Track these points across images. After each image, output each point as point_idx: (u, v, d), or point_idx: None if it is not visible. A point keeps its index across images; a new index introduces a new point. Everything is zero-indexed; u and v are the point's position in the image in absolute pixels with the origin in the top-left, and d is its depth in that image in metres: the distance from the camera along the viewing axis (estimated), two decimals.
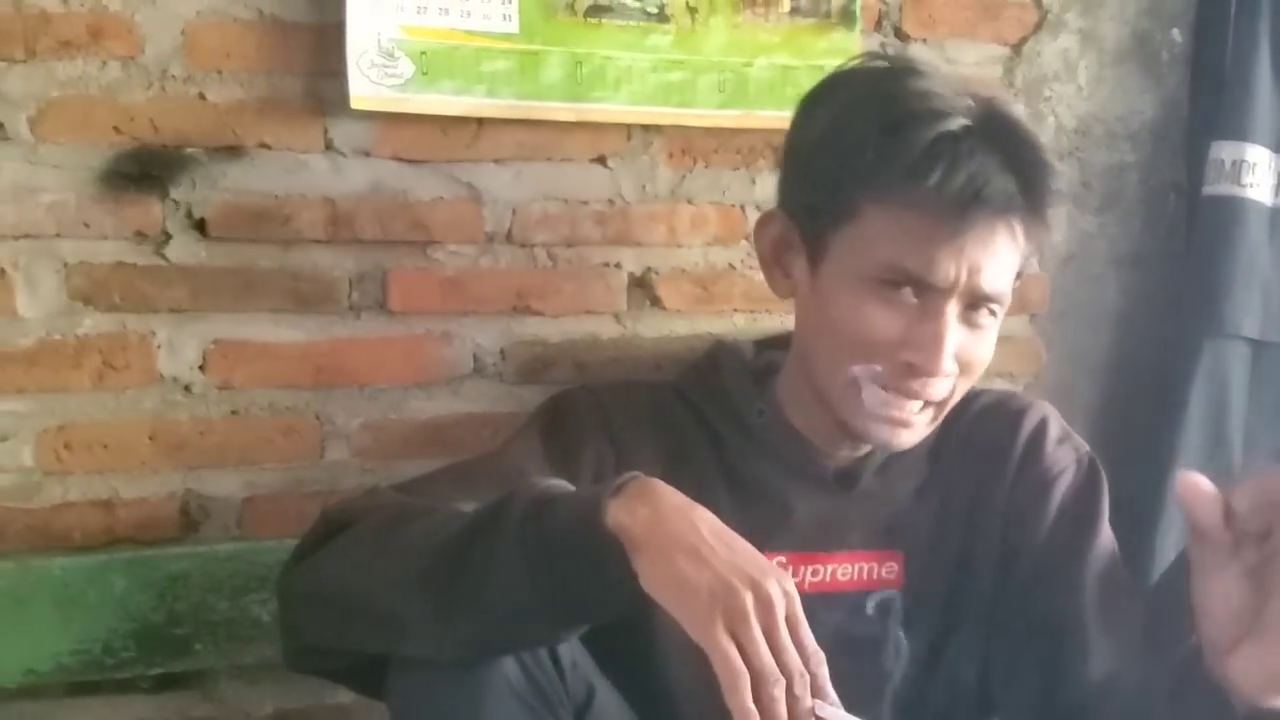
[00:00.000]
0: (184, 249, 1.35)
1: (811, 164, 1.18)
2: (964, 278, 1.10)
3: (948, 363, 1.12)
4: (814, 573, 1.23)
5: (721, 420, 1.27)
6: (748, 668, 0.89)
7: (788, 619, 0.92)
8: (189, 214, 1.34)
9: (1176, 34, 1.70)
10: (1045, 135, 1.65)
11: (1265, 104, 1.64)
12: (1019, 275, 1.18)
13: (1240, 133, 1.63)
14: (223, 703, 1.41)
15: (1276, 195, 1.66)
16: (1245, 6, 1.64)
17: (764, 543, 1.20)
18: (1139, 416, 1.69)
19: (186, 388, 1.36)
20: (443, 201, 1.42)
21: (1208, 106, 1.67)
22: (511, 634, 1.01)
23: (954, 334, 1.12)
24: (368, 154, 1.39)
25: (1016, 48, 1.64)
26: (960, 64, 1.59)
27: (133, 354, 1.34)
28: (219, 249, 1.36)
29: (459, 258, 1.43)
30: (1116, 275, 1.72)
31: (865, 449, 1.26)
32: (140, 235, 1.33)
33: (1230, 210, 1.63)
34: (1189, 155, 1.70)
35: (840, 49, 1.46)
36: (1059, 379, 1.70)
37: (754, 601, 0.91)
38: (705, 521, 0.96)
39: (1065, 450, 1.29)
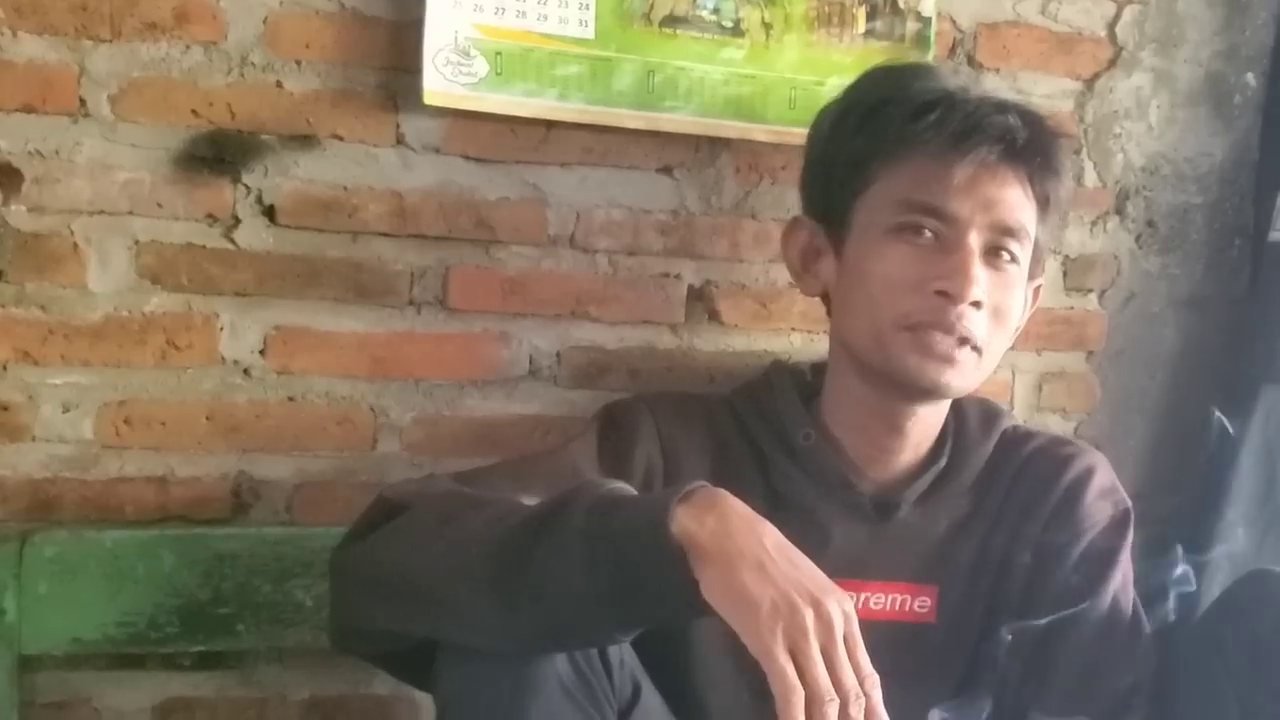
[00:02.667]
0: (252, 234, 1.36)
1: (825, 153, 1.27)
2: (979, 210, 1.16)
3: (976, 289, 1.15)
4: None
5: (769, 441, 1.28)
6: (803, 686, 0.89)
7: (846, 639, 0.92)
8: (259, 200, 1.36)
9: (1251, 78, 1.69)
10: (1114, 172, 1.65)
11: None
12: (1041, 245, 1.24)
13: None
14: (260, 685, 1.43)
15: None
16: None
17: None
18: (1192, 461, 1.67)
19: (246, 371, 1.38)
20: (508, 202, 1.43)
21: (1278, 152, 1.66)
22: (568, 630, 1.01)
23: (979, 270, 1.16)
24: (437, 150, 1.41)
25: (1089, 83, 1.64)
26: (1032, 95, 1.58)
27: (196, 335, 1.36)
28: (286, 236, 1.37)
29: (521, 259, 1.44)
30: (1176, 316, 1.71)
31: (907, 474, 1.27)
32: (211, 218, 1.35)
33: None
34: (1257, 200, 1.69)
35: None
36: (1113, 418, 1.69)
37: (814, 619, 0.91)
38: (770, 536, 0.96)
39: (1103, 505, 1.28)
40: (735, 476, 1.25)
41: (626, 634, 1.03)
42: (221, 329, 1.37)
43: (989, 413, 1.34)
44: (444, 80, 1.36)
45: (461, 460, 1.42)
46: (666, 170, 1.48)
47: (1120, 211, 1.66)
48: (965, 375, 1.19)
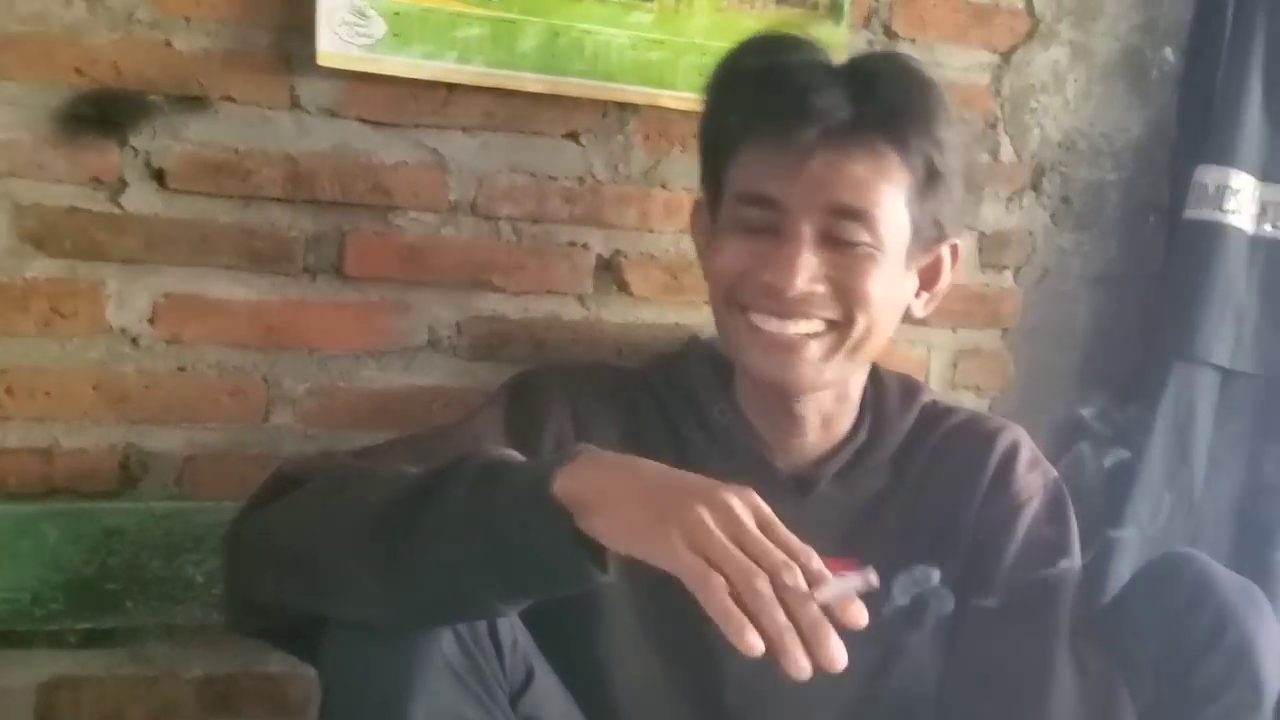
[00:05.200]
0: (140, 198, 1.32)
1: (700, 132, 1.24)
2: (809, 195, 1.13)
3: (800, 279, 1.13)
4: None
5: (685, 418, 1.26)
6: (721, 573, 0.84)
7: (761, 525, 0.88)
8: (148, 163, 1.31)
9: (1169, 53, 1.68)
10: (1030, 147, 1.63)
11: (1253, 130, 1.62)
12: (934, 215, 1.19)
13: (1226, 157, 1.61)
14: (150, 662, 1.38)
15: (1258, 224, 1.64)
16: (1240, 30, 1.62)
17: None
18: (1104, 436, 1.67)
19: (134, 340, 1.33)
20: (407, 166, 1.39)
21: (1194, 129, 1.65)
22: (453, 601, 0.98)
23: (809, 253, 1.13)
24: (333, 113, 1.36)
25: (1006, 56, 1.62)
26: (948, 68, 1.56)
27: (81, 301, 1.31)
28: (176, 200, 1.33)
29: (420, 225, 1.41)
30: (1090, 294, 1.70)
31: (823, 450, 1.24)
32: (96, 181, 1.30)
33: (1210, 235, 1.61)
34: (1172, 177, 1.68)
35: (826, 42, 1.42)
36: (1025, 395, 1.67)
37: (710, 512, 0.86)
38: (648, 466, 0.94)
39: (1035, 476, 1.27)
40: (649, 453, 1.20)
41: (513, 605, 1.00)
42: (108, 296, 1.32)
43: (908, 386, 1.32)
44: (339, 41, 1.31)
45: (358, 434, 1.39)
46: (572, 136, 1.45)
47: (1036, 187, 1.65)
48: (815, 366, 1.17)
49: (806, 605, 0.83)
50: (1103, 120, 1.67)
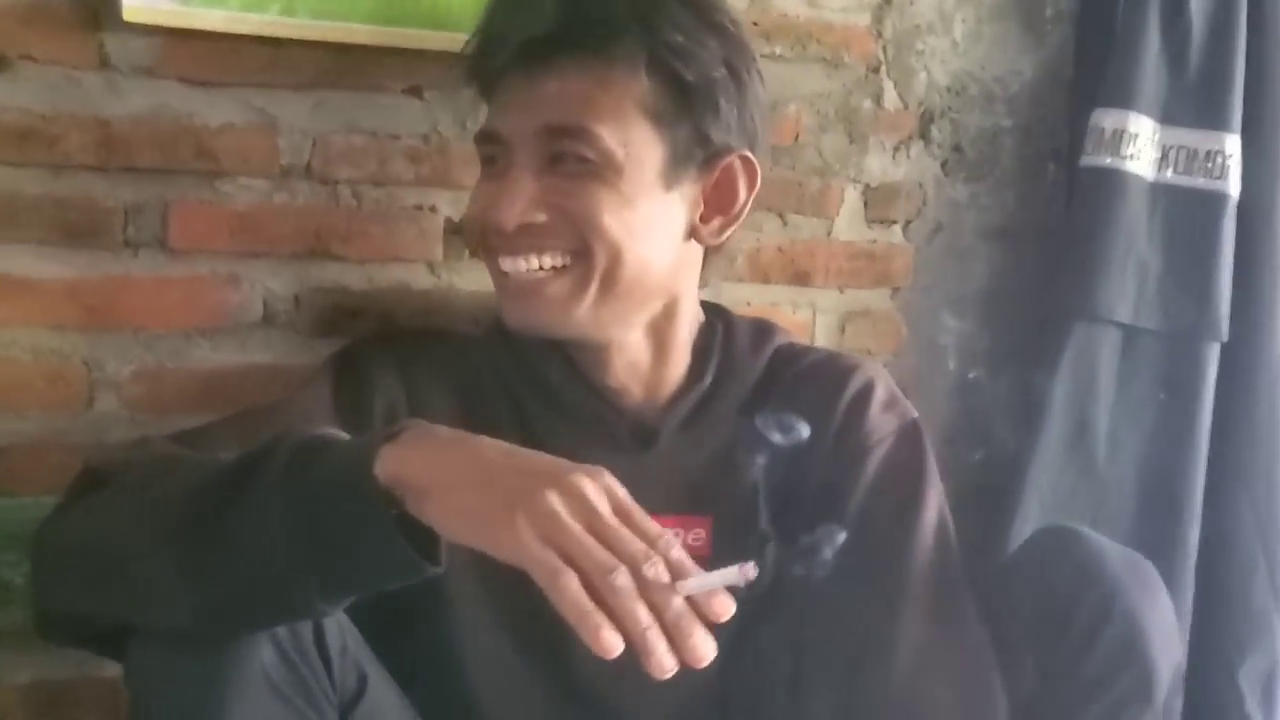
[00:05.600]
0: None
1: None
2: (523, 121, 1.09)
3: (514, 207, 1.08)
4: None
5: (521, 380, 1.19)
6: (575, 567, 0.77)
7: (617, 511, 0.81)
8: None
9: None
10: (916, 93, 1.54)
11: (1151, 70, 1.54)
12: (701, 129, 1.11)
13: (1123, 100, 1.53)
14: None
15: (1159, 170, 1.55)
16: None
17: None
18: (1001, 401, 1.58)
19: None
20: (233, 129, 1.29)
21: (1091, 70, 1.57)
22: (268, 601, 0.89)
23: (525, 179, 1.09)
24: (149, 73, 1.26)
25: None
26: (825, 8, 1.48)
27: None
28: None
29: (250, 192, 1.30)
30: (986, 249, 1.62)
31: (663, 402, 1.18)
32: None
33: (1108, 183, 1.53)
34: (1071, 122, 1.60)
35: None
36: (920, 358, 1.60)
37: (560, 498, 0.79)
38: (488, 445, 0.86)
39: (889, 417, 1.19)
40: (489, 421, 1.14)
41: (335, 604, 0.90)
42: None
43: (761, 330, 1.25)
44: None
45: (191, 417, 1.28)
46: (414, 91, 1.34)
47: (924, 136, 1.56)
48: (569, 306, 1.11)
49: (670, 598, 0.77)
50: (995, 63, 1.59)
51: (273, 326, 1.33)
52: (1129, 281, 1.54)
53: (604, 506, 0.80)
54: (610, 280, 1.10)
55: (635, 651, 0.76)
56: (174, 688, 0.91)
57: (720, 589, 0.80)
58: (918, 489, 1.17)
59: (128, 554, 0.93)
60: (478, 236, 1.16)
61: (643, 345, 1.17)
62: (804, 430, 1.04)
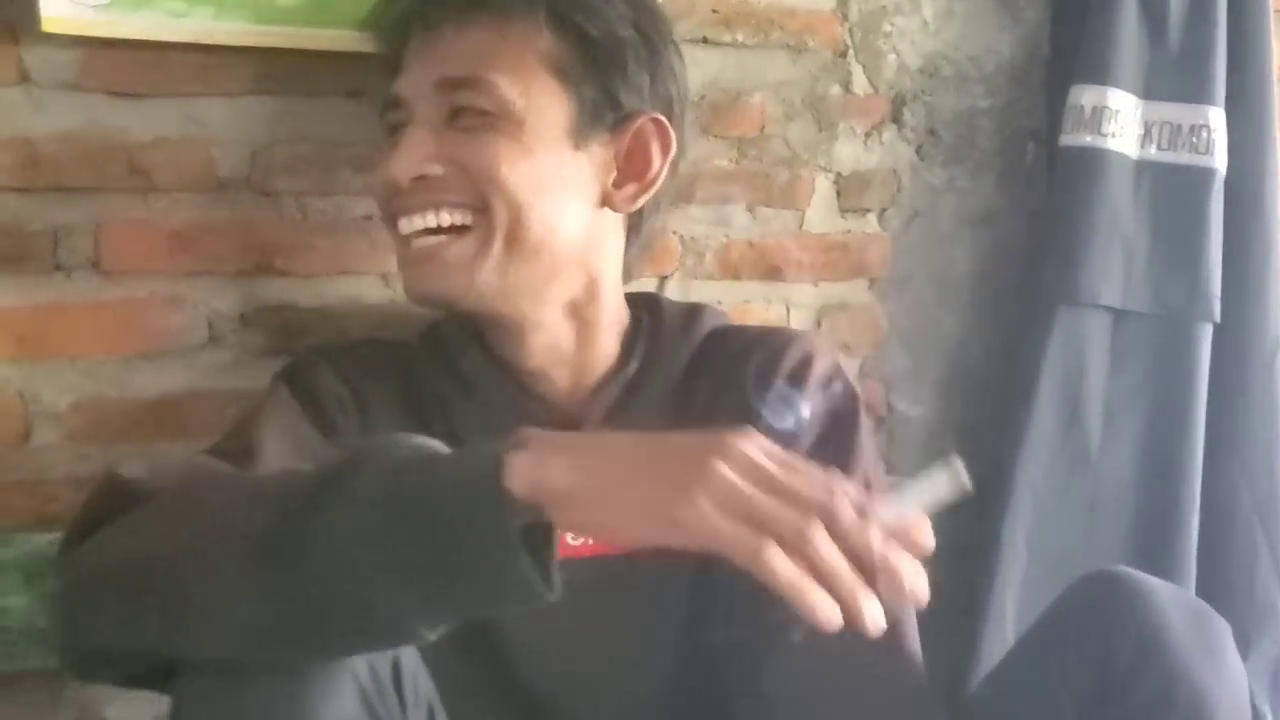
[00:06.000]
0: None
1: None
2: (421, 77, 1.08)
3: (409, 157, 1.06)
4: None
5: (442, 378, 1.14)
6: (769, 534, 0.71)
7: (782, 465, 0.74)
8: None
9: None
10: (886, 76, 1.48)
11: (1130, 44, 1.47)
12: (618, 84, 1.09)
13: (1102, 76, 1.47)
14: None
15: (1142, 146, 1.49)
16: None
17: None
18: (988, 393, 1.52)
19: None
20: (167, 142, 1.22)
21: (1069, 46, 1.50)
22: (361, 624, 0.79)
23: (422, 132, 1.07)
24: (75, 86, 1.19)
25: None
26: None
27: None
28: None
29: (187, 208, 1.24)
30: (967, 235, 1.55)
31: (587, 389, 1.13)
32: None
33: (1090, 162, 1.47)
34: (1049, 101, 1.54)
35: None
36: (902, 352, 1.53)
37: (731, 466, 0.73)
38: (618, 440, 0.80)
39: (824, 397, 1.12)
40: (422, 422, 1.10)
41: (436, 629, 0.81)
42: None
43: (693, 312, 1.19)
44: (66, 2, 1.14)
45: (138, 447, 1.24)
46: (356, 95, 1.28)
47: (897, 120, 1.50)
48: (471, 270, 1.06)
49: (870, 540, 0.72)
50: (969, 42, 1.52)
51: (220, 348, 1.26)
52: (1116, 263, 1.48)
53: (772, 464, 0.74)
54: (513, 240, 1.06)
55: (848, 615, 0.71)
56: None
57: (917, 510, 0.74)
58: (846, 464, 1.09)
59: (189, 575, 0.82)
60: (382, 205, 1.12)
61: (564, 326, 1.12)
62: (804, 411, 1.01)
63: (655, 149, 1.11)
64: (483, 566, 0.75)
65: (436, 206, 1.06)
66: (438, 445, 0.82)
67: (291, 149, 1.26)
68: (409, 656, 0.90)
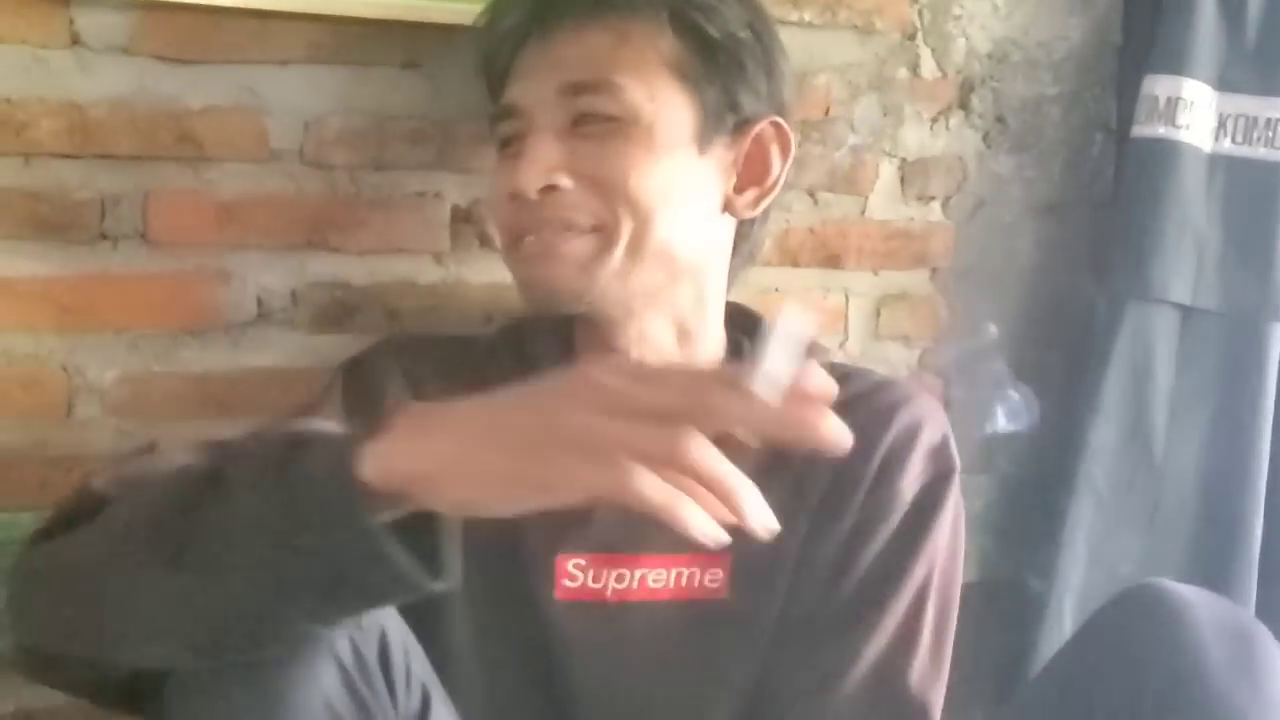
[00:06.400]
0: None
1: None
2: (542, 83, 1.03)
3: (535, 168, 1.01)
4: (619, 578, 1.03)
5: None
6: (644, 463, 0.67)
7: (640, 379, 0.71)
8: None
9: None
10: (954, 60, 1.43)
11: (1207, 31, 1.43)
12: (728, 90, 1.05)
13: (1177, 65, 1.42)
14: None
15: (1216, 139, 1.45)
16: None
17: (557, 543, 1.00)
18: (1051, 390, 1.48)
19: None
20: (217, 110, 1.19)
21: (1142, 35, 1.46)
22: (258, 627, 0.78)
23: (545, 143, 1.01)
24: (124, 50, 1.15)
25: None
26: None
27: None
28: None
29: (238, 179, 1.20)
30: (1032, 226, 1.50)
31: None
32: None
33: (1162, 155, 1.42)
34: (1120, 90, 1.49)
35: None
36: (961, 344, 1.48)
37: (587, 406, 0.69)
38: (484, 403, 0.75)
39: (925, 468, 1.07)
40: None
41: (332, 626, 0.80)
42: None
43: None
44: None
45: (182, 424, 1.21)
46: (414, 66, 1.24)
47: (964, 106, 1.45)
48: (590, 270, 1.01)
49: (762, 408, 0.67)
50: (1039, 27, 1.47)
51: (269, 325, 1.23)
52: (1186, 259, 1.43)
53: (627, 384, 0.69)
54: (637, 247, 1.01)
55: (737, 516, 0.69)
56: None
57: (794, 366, 0.68)
58: (911, 559, 1.05)
59: (106, 581, 0.81)
60: (505, 227, 1.07)
61: (668, 338, 1.08)
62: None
63: (775, 152, 1.08)
64: (351, 566, 0.73)
65: (567, 227, 1.01)
66: (328, 431, 0.81)
67: (345, 121, 1.22)
68: (397, 633, 0.87)
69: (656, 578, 1.03)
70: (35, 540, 0.90)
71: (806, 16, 1.36)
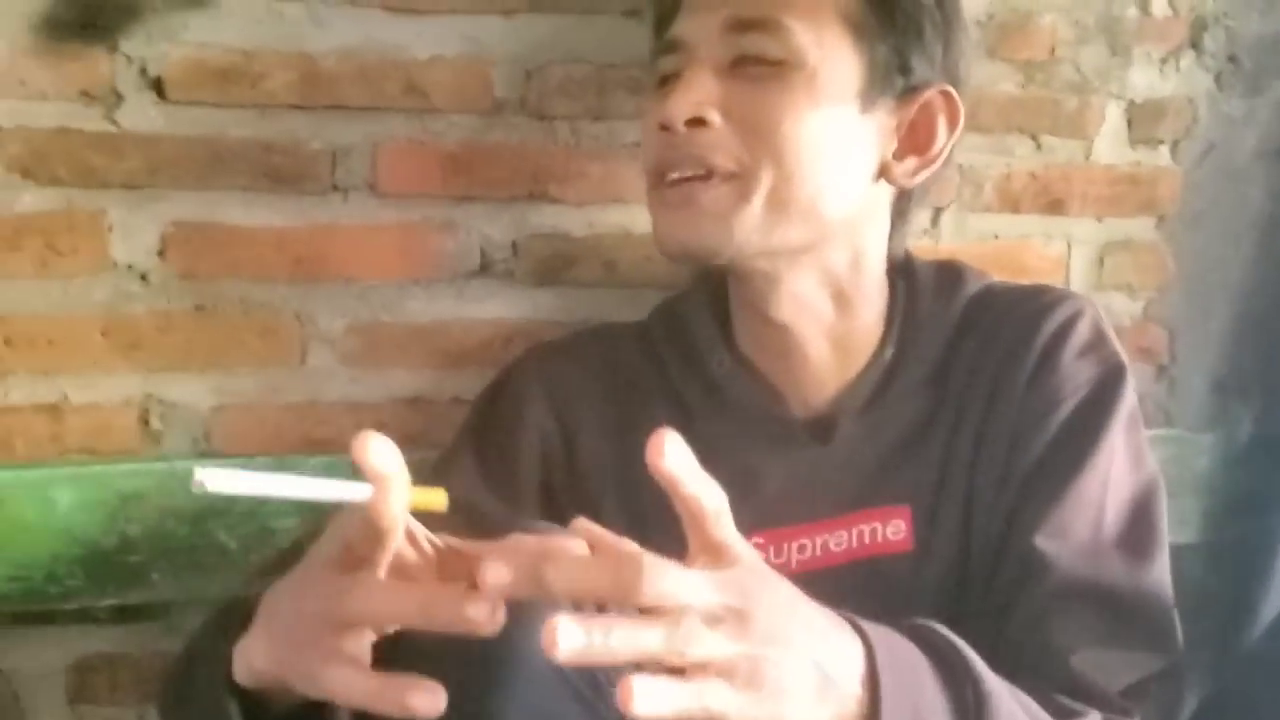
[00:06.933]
0: (138, 113, 1.14)
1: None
2: (707, 15, 0.98)
3: (684, 101, 0.96)
4: (800, 549, 1.00)
5: (685, 377, 1.07)
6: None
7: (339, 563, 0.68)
8: (143, 71, 1.13)
9: None
10: None
11: None
12: (902, 48, 0.99)
13: None
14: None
15: None
16: None
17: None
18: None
19: (143, 276, 1.17)
20: (443, 60, 1.20)
21: None
22: None
23: (701, 76, 0.97)
24: (353, 2, 1.17)
25: None
26: None
27: (80, 236, 1.15)
28: (179, 114, 1.15)
29: (462, 130, 1.21)
30: (1265, 171, 1.43)
31: (844, 382, 1.04)
32: (86, 96, 1.13)
33: None
34: None
35: None
36: (1189, 295, 1.43)
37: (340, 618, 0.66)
38: (284, 588, 0.71)
39: (1087, 362, 1.01)
40: (647, 425, 0.99)
41: None
42: (110, 228, 1.15)
43: (948, 276, 1.08)
44: None
45: (407, 372, 1.24)
46: (635, 14, 1.23)
47: (1196, 45, 1.39)
48: (730, 221, 0.96)
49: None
50: None
51: (491, 276, 1.24)
52: None
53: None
54: (779, 199, 0.96)
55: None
56: None
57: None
58: (1092, 451, 0.97)
59: None
60: (650, 155, 1.02)
61: (821, 296, 1.03)
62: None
63: (942, 123, 1.02)
64: None
65: (705, 169, 0.97)
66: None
67: (566, 70, 1.22)
68: None
69: (838, 541, 1.00)
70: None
71: None
